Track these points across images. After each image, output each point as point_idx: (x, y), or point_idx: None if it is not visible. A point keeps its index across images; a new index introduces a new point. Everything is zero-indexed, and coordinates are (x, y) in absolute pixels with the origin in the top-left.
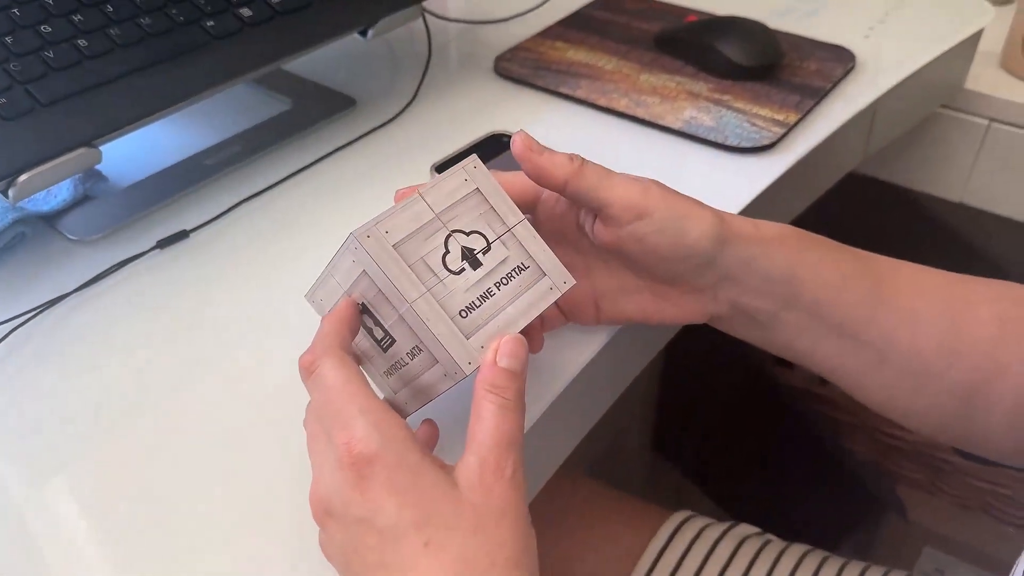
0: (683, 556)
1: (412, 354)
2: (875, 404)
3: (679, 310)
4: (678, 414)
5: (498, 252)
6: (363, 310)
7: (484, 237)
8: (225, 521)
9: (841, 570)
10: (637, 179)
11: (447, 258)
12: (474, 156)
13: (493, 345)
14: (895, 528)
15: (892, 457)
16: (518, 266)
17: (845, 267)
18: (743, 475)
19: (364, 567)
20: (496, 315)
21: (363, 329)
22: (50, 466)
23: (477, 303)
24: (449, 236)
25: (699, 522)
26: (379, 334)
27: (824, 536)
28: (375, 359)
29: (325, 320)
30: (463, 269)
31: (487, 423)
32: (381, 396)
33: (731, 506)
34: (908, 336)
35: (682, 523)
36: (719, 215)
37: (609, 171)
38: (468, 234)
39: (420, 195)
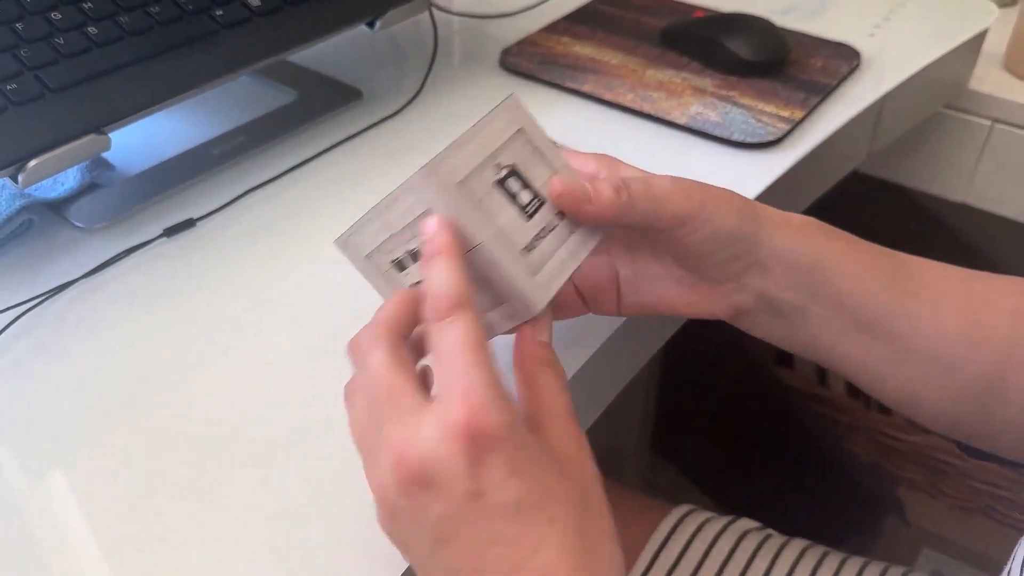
0: (684, 550)
1: (480, 292)
2: (895, 401)
3: (704, 300)
4: (677, 414)
5: (548, 192)
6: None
7: (533, 175)
8: (227, 519)
9: (841, 565)
10: (675, 184)
11: (510, 192)
12: (514, 95)
13: (530, 324)
14: (894, 529)
15: (892, 459)
16: (562, 215)
17: (868, 259)
18: (742, 475)
19: (473, 543)
20: (556, 250)
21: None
22: (55, 454)
23: (540, 237)
24: (507, 172)
25: (700, 516)
26: None
27: (823, 537)
28: None
29: (456, 262)
30: (525, 205)
31: (554, 395)
32: None
33: (729, 506)
34: (931, 328)
35: (683, 517)
36: (747, 202)
37: (648, 185)
38: (523, 170)
39: (471, 136)
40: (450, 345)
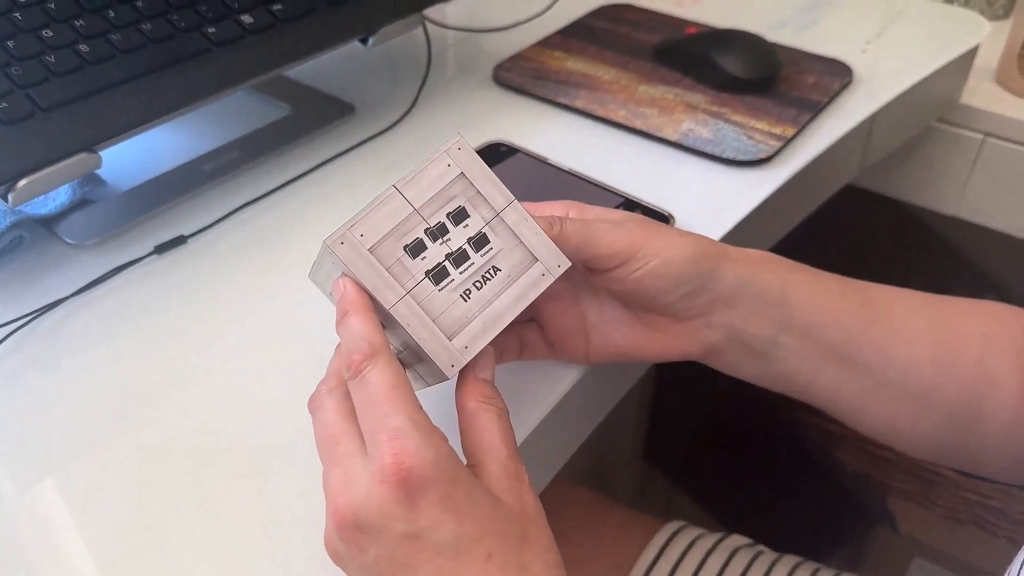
0: (675, 567)
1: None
2: (876, 431)
3: (673, 340)
4: (669, 423)
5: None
6: None
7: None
8: (221, 529)
9: None
10: (615, 223)
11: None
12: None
13: (473, 361)
14: (885, 540)
15: (882, 469)
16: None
17: (832, 288)
18: (734, 485)
19: None
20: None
21: None
22: (46, 471)
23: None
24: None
25: (691, 533)
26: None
27: (814, 547)
28: None
29: (354, 315)
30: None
31: (492, 432)
32: None
33: (722, 516)
34: (903, 355)
35: (674, 534)
36: (703, 239)
37: (586, 223)
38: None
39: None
40: (367, 396)
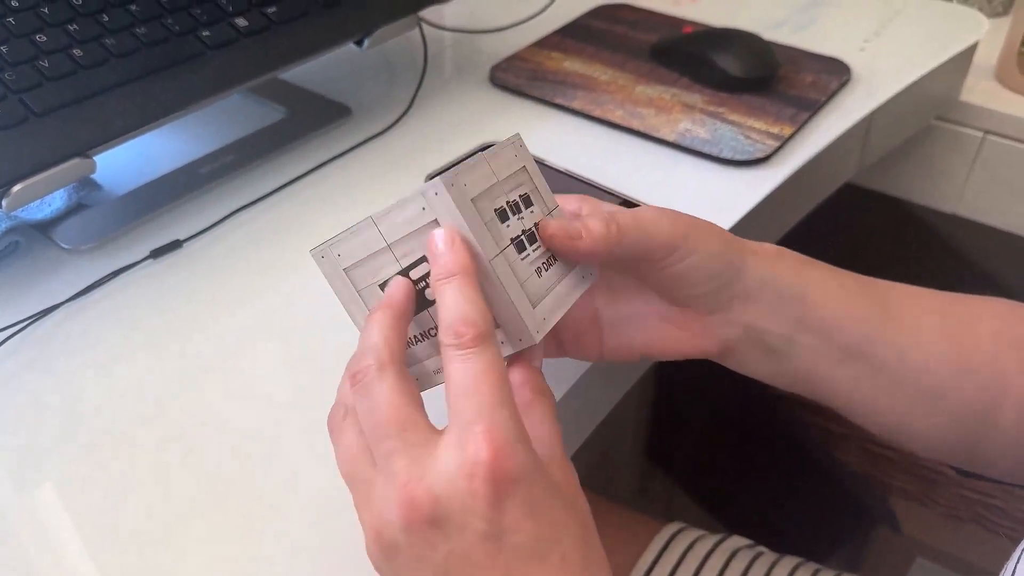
0: (674, 569)
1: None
2: (888, 430)
3: (691, 337)
4: (671, 422)
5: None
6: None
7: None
8: (219, 531)
9: None
10: (661, 213)
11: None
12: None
13: (527, 352)
14: (886, 539)
15: (883, 468)
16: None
17: (849, 285)
18: (735, 485)
19: None
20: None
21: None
22: (42, 477)
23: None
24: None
25: (690, 534)
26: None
27: (815, 547)
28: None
29: (475, 287)
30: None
31: (550, 426)
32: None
33: (722, 515)
34: (918, 355)
35: (673, 536)
36: (729, 234)
37: (637, 216)
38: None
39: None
40: (472, 379)
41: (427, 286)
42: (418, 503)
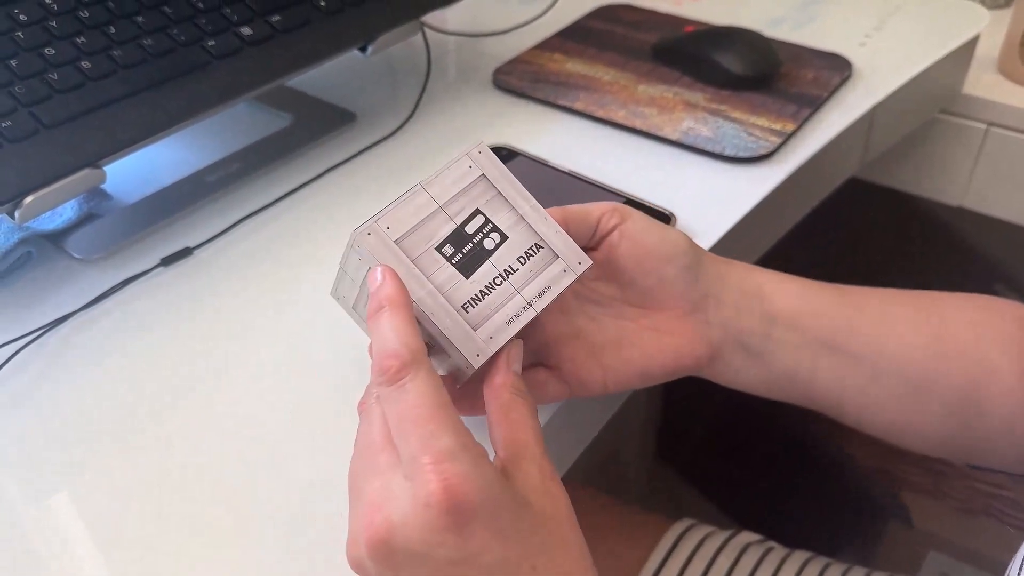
0: (684, 566)
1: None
2: (882, 429)
3: (680, 339)
4: (680, 420)
5: (506, 238)
6: None
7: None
8: (234, 540)
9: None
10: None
11: (450, 249)
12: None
13: (505, 352)
14: (899, 533)
15: (894, 462)
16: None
17: (803, 282)
18: (744, 482)
19: None
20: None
21: None
22: (57, 486)
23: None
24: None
25: (701, 531)
26: None
27: (827, 542)
28: None
29: (395, 313)
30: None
31: (527, 427)
32: None
33: (733, 512)
34: (893, 344)
35: (683, 533)
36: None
37: (568, 207)
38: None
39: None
40: (408, 410)
41: (484, 236)
42: (378, 530)
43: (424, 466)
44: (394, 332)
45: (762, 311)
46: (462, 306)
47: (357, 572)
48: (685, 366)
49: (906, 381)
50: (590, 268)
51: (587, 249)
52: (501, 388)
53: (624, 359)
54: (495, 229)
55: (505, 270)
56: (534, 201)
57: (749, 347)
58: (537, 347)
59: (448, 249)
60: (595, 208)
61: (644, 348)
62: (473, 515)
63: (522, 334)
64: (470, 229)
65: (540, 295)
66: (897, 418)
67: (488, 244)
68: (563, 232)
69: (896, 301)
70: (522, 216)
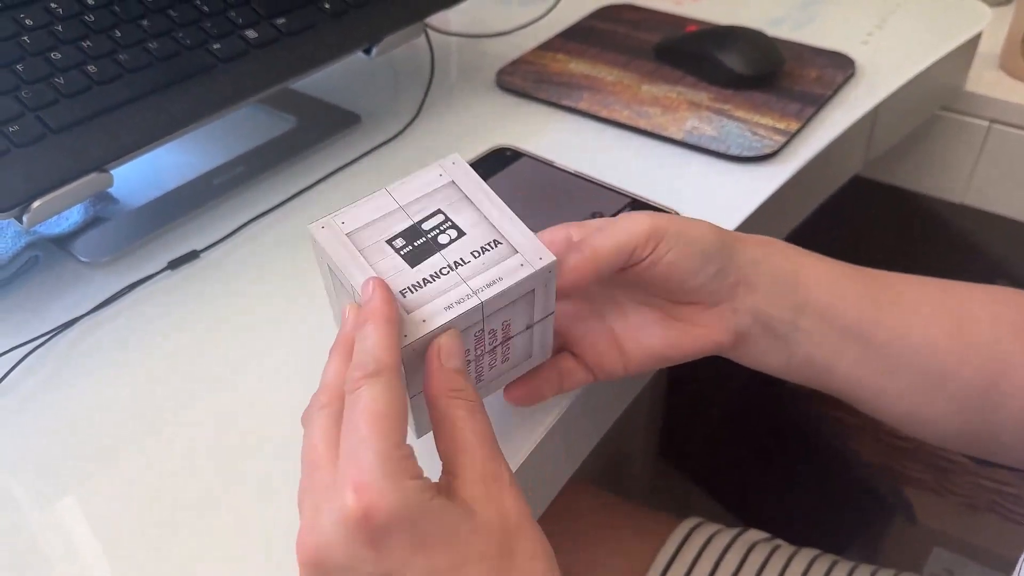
0: (692, 565)
1: None
2: (896, 417)
3: (704, 331)
4: (684, 419)
5: (463, 234)
6: None
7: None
8: (242, 542)
9: (850, 574)
10: (633, 216)
11: (401, 242)
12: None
13: (433, 348)
14: (903, 529)
15: (898, 458)
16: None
17: (842, 270)
18: (750, 479)
19: None
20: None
21: None
22: (65, 489)
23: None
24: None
25: (708, 529)
26: None
27: (832, 539)
28: None
29: (380, 328)
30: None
31: (464, 430)
32: None
33: (738, 510)
34: (918, 335)
35: (691, 531)
36: (715, 225)
37: (607, 226)
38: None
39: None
40: (353, 417)
41: (440, 232)
42: (306, 551)
43: (345, 478)
44: (370, 343)
45: (793, 300)
46: (400, 291)
47: None
48: (706, 351)
49: (925, 372)
50: (553, 264)
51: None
52: (434, 392)
53: (645, 346)
54: (453, 227)
55: (455, 262)
56: (503, 206)
57: (775, 332)
58: (562, 332)
59: (399, 242)
60: (629, 241)
61: (666, 337)
62: (388, 529)
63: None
64: (426, 226)
65: (489, 285)
66: (913, 408)
67: (443, 239)
68: (529, 232)
69: (925, 292)
70: (485, 216)
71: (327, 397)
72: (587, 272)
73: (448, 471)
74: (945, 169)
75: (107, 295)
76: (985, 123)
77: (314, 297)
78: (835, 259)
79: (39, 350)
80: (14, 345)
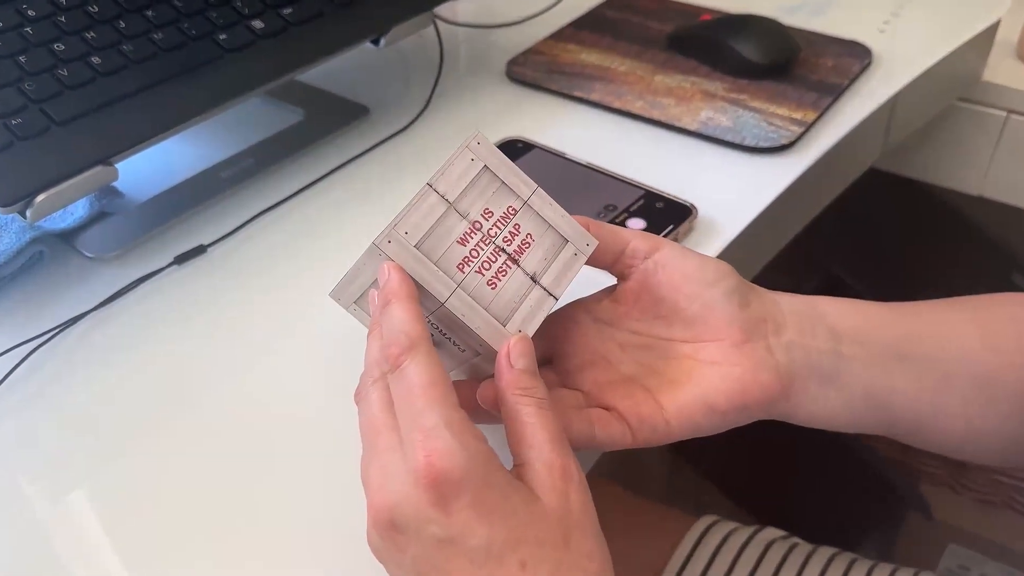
0: (709, 563)
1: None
2: (957, 438)
3: (741, 369)
4: None
5: (517, 228)
6: None
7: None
8: (247, 536)
9: (869, 573)
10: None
11: (467, 246)
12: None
13: (503, 351)
14: (918, 526)
15: (914, 454)
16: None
17: (853, 300)
18: (763, 476)
19: None
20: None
21: None
22: (73, 483)
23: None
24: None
25: (724, 527)
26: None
27: (847, 535)
28: None
29: (397, 303)
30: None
31: (534, 425)
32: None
33: (751, 507)
34: (956, 346)
35: (707, 529)
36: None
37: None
38: (485, 216)
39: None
40: (403, 391)
41: (497, 230)
42: (379, 510)
43: (415, 442)
44: (398, 321)
45: (826, 328)
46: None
47: (375, 555)
48: (755, 398)
49: (973, 381)
50: (596, 247)
51: (619, 278)
52: (504, 390)
53: (682, 396)
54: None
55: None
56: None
57: (821, 369)
58: (590, 391)
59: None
60: (626, 232)
61: (702, 382)
62: (457, 489)
63: (569, 383)
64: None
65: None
66: (968, 424)
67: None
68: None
69: (948, 307)
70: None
71: (378, 372)
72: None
73: (517, 463)
74: (962, 161)
75: (113, 291)
76: (1003, 113)
77: (323, 291)
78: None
79: (45, 346)
80: (19, 341)
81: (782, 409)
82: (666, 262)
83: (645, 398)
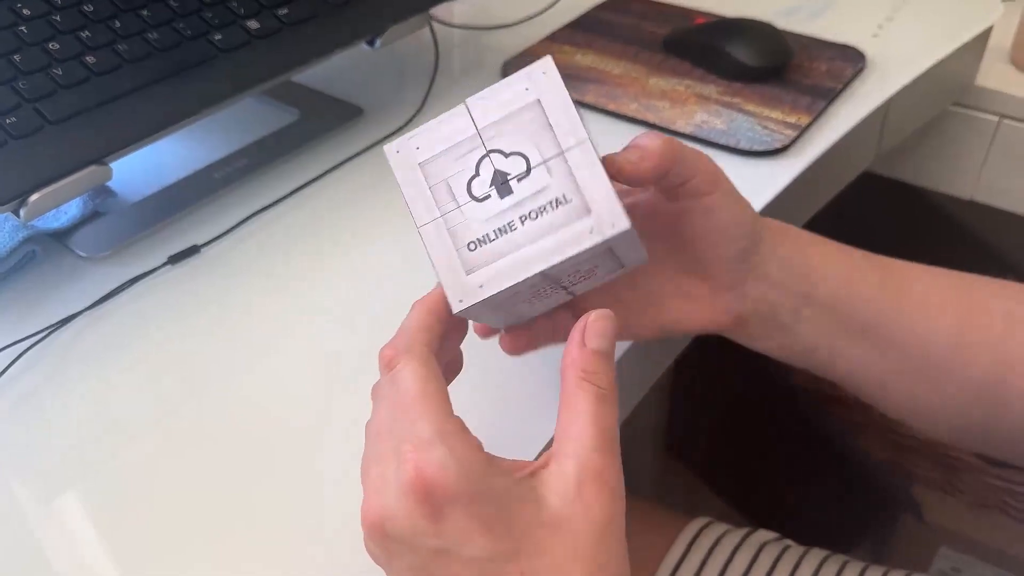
0: (701, 565)
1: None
2: (898, 410)
3: (708, 311)
4: (689, 416)
5: (537, 180)
6: None
7: (526, 160)
8: (244, 538)
9: (861, 575)
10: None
11: (474, 182)
12: (548, 58)
13: (580, 323)
14: (911, 528)
15: (906, 457)
16: (557, 199)
17: (854, 261)
18: (756, 476)
19: None
20: (510, 253)
21: None
22: (64, 486)
23: (493, 236)
24: (484, 157)
25: (717, 529)
26: None
27: (839, 537)
28: None
29: (415, 307)
30: (488, 196)
31: (585, 418)
32: None
33: (744, 508)
34: (925, 331)
35: (700, 531)
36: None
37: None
38: (508, 155)
39: (466, 106)
40: (396, 399)
41: (513, 176)
42: (372, 519)
43: (405, 453)
44: (405, 322)
45: (800, 291)
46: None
47: (373, 560)
48: (705, 330)
49: (930, 368)
50: (626, 232)
51: (668, 195)
52: (568, 367)
53: (648, 318)
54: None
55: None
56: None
57: (777, 320)
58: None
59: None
60: (692, 167)
61: (670, 312)
62: (450, 502)
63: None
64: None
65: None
66: (914, 402)
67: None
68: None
69: (936, 285)
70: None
71: (400, 347)
72: (669, 160)
73: (552, 451)
74: (954, 165)
75: (106, 290)
76: (995, 118)
77: (317, 291)
78: (850, 247)
79: (37, 346)
80: (12, 341)
81: (726, 334)
82: (710, 209)
83: (618, 310)
